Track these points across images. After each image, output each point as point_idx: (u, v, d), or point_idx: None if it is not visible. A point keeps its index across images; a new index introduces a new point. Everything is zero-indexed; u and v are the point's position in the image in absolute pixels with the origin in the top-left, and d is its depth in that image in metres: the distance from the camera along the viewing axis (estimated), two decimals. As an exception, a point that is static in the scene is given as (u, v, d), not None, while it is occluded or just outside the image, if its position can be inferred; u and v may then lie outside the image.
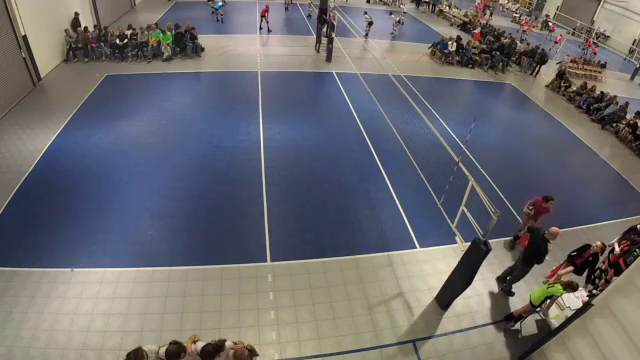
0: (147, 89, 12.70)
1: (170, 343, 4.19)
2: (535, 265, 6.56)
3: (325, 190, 8.94)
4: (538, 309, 6.21)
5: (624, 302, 4.55)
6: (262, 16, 19.36)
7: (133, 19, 18.63)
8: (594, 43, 25.87)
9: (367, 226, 8.05)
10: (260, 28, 19.73)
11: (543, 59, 18.34)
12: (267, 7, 19.41)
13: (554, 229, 6.39)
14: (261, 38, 18.96)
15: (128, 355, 3.97)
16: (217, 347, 4.19)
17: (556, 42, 24.30)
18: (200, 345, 4.22)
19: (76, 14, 14.30)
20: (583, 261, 6.84)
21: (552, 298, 6.02)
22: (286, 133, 10.98)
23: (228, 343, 4.30)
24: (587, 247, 6.90)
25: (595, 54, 22.89)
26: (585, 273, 7.00)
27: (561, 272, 6.69)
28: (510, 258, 7.77)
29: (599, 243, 6.79)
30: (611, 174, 11.57)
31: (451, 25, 26.41)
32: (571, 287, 5.84)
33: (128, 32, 14.66)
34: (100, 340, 5.47)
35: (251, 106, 12.18)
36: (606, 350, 4.66)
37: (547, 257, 6.95)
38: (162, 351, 4.18)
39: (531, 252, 6.48)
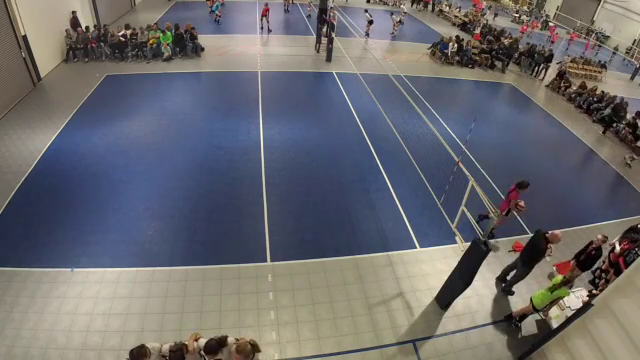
0: (147, 89, 12.71)
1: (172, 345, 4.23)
2: (536, 265, 6.56)
3: (325, 190, 8.94)
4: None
5: (624, 302, 4.54)
6: (263, 16, 19.37)
7: (133, 19, 18.65)
8: (597, 38, 26.03)
9: (367, 226, 8.05)
10: (261, 28, 19.74)
11: (548, 58, 18.24)
12: (267, 7, 19.41)
13: (556, 233, 6.33)
14: (261, 38, 18.96)
15: (131, 352, 3.98)
16: (220, 342, 4.20)
17: (552, 42, 24.36)
18: (202, 342, 4.24)
19: (74, 13, 14.30)
20: (586, 256, 6.85)
21: (556, 300, 6.02)
22: (286, 133, 10.98)
23: (230, 339, 4.32)
24: (591, 243, 6.93)
25: (586, 49, 23.04)
26: (588, 272, 7.03)
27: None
28: (510, 258, 7.77)
29: (600, 237, 6.82)
30: (611, 174, 11.57)
31: (453, 25, 26.44)
32: (568, 281, 5.89)
33: (128, 32, 14.65)
34: (100, 340, 5.47)
35: (251, 106, 12.18)
36: (606, 350, 4.65)
37: (547, 258, 6.95)
38: (164, 348, 4.20)
39: (530, 252, 6.48)
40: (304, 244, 7.46)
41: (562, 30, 29.17)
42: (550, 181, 10.51)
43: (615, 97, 15.17)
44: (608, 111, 14.46)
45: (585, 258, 6.87)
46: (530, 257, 6.48)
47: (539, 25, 30.80)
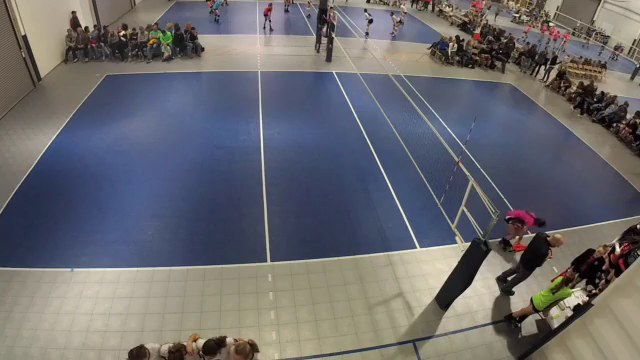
0: (147, 89, 12.71)
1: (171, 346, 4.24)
2: (537, 268, 6.55)
3: (325, 190, 8.94)
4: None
5: (624, 302, 4.54)
6: (265, 15, 19.35)
7: (133, 19, 18.64)
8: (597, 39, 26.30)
9: (367, 226, 8.05)
10: (264, 28, 19.73)
11: (554, 60, 18.24)
12: (271, 7, 19.37)
13: (558, 236, 6.33)
14: (261, 38, 18.96)
15: (131, 352, 3.99)
16: (219, 342, 4.21)
17: (555, 39, 24.42)
18: (201, 343, 4.24)
19: (74, 13, 14.30)
20: (588, 267, 6.84)
21: (557, 301, 6.02)
22: (286, 133, 10.98)
23: (229, 339, 4.33)
24: (590, 252, 6.89)
25: (559, 40, 23.59)
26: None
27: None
28: (510, 259, 7.77)
29: (601, 249, 6.79)
30: (611, 174, 11.57)
31: (451, 24, 26.44)
32: (569, 280, 5.89)
33: (127, 32, 14.65)
34: (100, 340, 5.47)
35: (251, 106, 12.18)
36: (606, 350, 4.65)
37: (549, 260, 6.94)
38: (163, 349, 4.20)
39: (531, 255, 6.46)
40: (304, 244, 7.46)
41: (562, 30, 29.18)
42: (550, 181, 10.52)
43: (615, 97, 15.18)
44: (608, 111, 14.48)
45: (587, 269, 6.86)
46: (531, 261, 6.46)
47: (539, 25, 30.70)
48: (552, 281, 7.22)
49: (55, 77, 12.85)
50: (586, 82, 16.81)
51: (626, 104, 14.61)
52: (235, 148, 10.04)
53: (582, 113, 15.22)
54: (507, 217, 7.57)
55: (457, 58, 18.45)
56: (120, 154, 9.35)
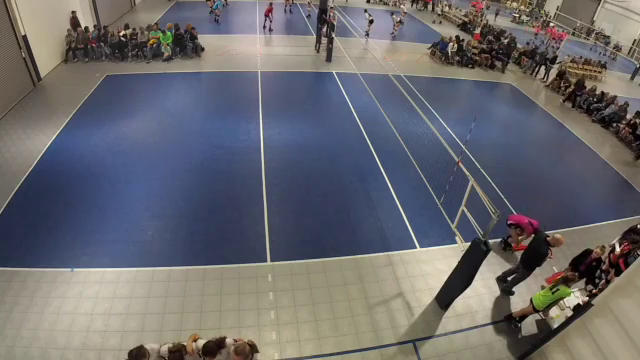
0: (147, 89, 12.71)
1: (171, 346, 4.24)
2: (537, 268, 6.55)
3: (325, 190, 8.94)
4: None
5: (624, 302, 4.55)
6: (266, 15, 19.35)
7: (133, 19, 18.63)
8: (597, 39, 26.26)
9: (367, 226, 8.05)
10: (264, 27, 19.72)
11: (553, 60, 18.27)
12: (271, 6, 19.35)
13: (558, 236, 6.32)
14: (261, 38, 18.95)
15: (130, 352, 3.99)
16: (219, 343, 4.22)
17: (553, 38, 24.42)
18: (201, 343, 4.25)
19: (74, 13, 14.30)
20: (586, 267, 6.85)
21: (557, 300, 6.02)
22: (286, 133, 10.98)
23: (229, 340, 4.34)
24: (588, 252, 6.89)
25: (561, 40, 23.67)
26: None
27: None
28: (510, 259, 7.77)
29: (598, 250, 6.80)
30: (611, 174, 11.57)
31: (434, 22, 26.45)
32: (569, 280, 5.88)
33: (127, 32, 14.66)
34: (100, 340, 5.47)
35: (251, 106, 12.18)
36: (606, 350, 4.66)
37: (549, 260, 6.94)
38: (163, 349, 4.21)
39: (531, 255, 6.46)
40: (304, 244, 7.46)
41: (560, 30, 29.19)
42: (550, 181, 10.52)
43: (615, 97, 15.19)
44: (608, 111, 14.47)
45: (585, 269, 6.87)
46: (531, 261, 6.45)
47: (539, 25, 30.68)
48: (550, 282, 7.24)
49: (55, 77, 12.85)
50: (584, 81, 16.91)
51: (626, 104, 14.61)
52: (235, 148, 10.04)
53: (565, 101, 15.98)
54: (509, 222, 7.54)
55: (457, 58, 18.45)
56: (120, 154, 9.35)
